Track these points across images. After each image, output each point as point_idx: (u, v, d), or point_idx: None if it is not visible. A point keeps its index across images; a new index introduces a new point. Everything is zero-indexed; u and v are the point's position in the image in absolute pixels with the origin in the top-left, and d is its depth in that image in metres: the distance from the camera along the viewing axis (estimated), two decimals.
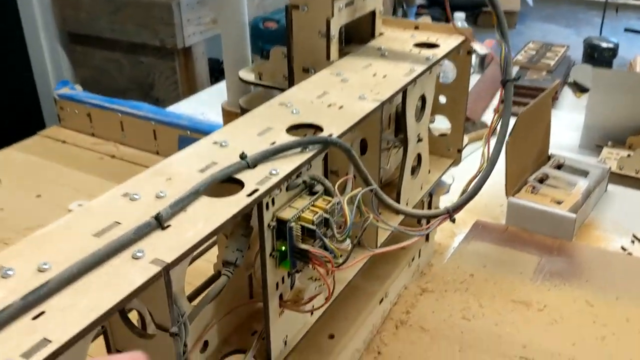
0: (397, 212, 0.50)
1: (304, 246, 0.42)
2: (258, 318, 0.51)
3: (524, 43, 1.60)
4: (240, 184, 0.41)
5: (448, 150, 0.77)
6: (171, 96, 2.14)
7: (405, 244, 0.49)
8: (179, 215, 0.37)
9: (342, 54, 0.66)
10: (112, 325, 0.40)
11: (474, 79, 1.45)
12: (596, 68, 1.08)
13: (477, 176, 0.51)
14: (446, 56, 0.65)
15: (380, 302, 0.70)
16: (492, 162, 0.52)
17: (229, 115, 0.85)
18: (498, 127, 0.54)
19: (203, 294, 0.53)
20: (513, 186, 0.92)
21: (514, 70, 1.22)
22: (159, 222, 0.36)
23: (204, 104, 1.38)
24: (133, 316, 0.41)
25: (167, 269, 0.33)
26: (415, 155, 0.66)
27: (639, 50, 1.52)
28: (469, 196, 0.51)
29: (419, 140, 0.66)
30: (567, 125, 1.22)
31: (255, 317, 0.52)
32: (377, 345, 0.69)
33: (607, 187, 1.01)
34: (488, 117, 1.29)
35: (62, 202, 0.86)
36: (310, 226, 0.42)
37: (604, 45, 1.39)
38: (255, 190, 0.40)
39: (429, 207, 0.80)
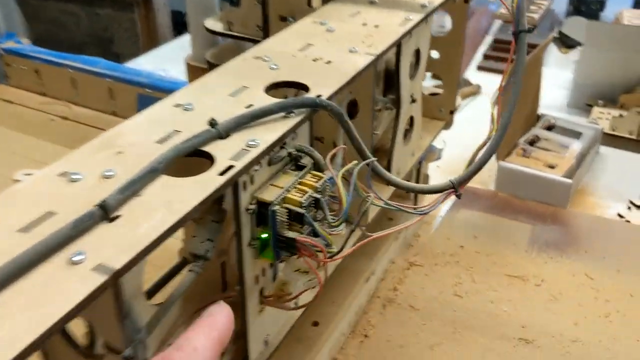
0: (398, 187, 0.43)
1: (290, 234, 0.34)
2: (234, 313, 0.43)
3: None
4: (210, 159, 0.32)
5: (440, 111, 0.70)
6: (131, 51, 2.01)
7: (405, 225, 0.42)
8: (132, 201, 0.29)
9: (325, 0, 0.57)
10: (51, 342, 0.32)
11: None
12: (590, 21, 1.01)
13: (486, 143, 0.44)
14: (444, 3, 0.57)
15: (367, 280, 0.64)
16: (503, 127, 0.44)
17: (195, 72, 0.75)
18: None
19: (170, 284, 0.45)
20: (503, 149, 0.86)
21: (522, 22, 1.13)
22: (105, 212, 0.27)
23: (166, 60, 1.27)
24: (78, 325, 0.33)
25: (115, 277, 0.25)
26: (408, 118, 0.58)
27: (625, 4, 1.45)
28: (476, 167, 0.44)
29: (413, 101, 0.58)
30: (554, 82, 1.16)
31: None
32: (364, 328, 0.63)
33: (600, 149, 0.96)
34: (470, 74, 1.22)
35: (7, 171, 0.76)
36: (298, 209, 0.34)
37: None
38: (230, 167, 0.31)
39: (418, 175, 0.72)
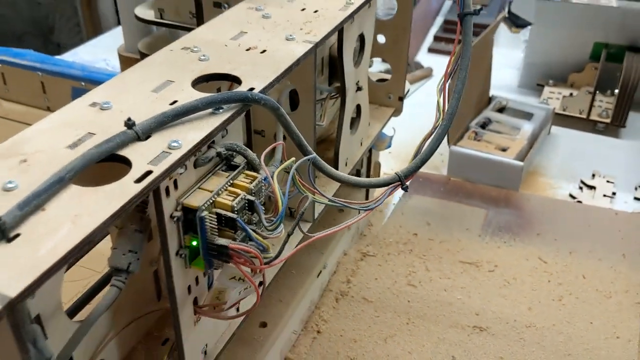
0: (342, 182, 0.41)
1: (222, 241, 0.32)
2: (170, 322, 0.40)
3: None
4: (128, 164, 0.29)
5: (389, 98, 0.68)
6: (74, 40, 1.92)
7: (351, 222, 0.40)
8: (34, 217, 0.26)
9: None
10: None
11: None
12: (539, 0, 1.00)
13: (432, 133, 0.42)
14: None
15: (319, 275, 0.62)
16: (450, 116, 0.43)
17: (127, 63, 0.71)
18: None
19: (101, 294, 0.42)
20: (454, 133, 0.84)
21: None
22: (2, 233, 0.24)
23: (108, 50, 1.21)
24: None
25: (11, 306, 0.22)
26: (354, 107, 0.56)
27: None
28: (423, 157, 0.42)
29: (359, 88, 0.56)
30: (504, 62, 1.15)
31: (166, 320, 0.41)
32: (316, 324, 0.61)
33: (551, 129, 0.96)
34: (421, 57, 1.21)
35: None
36: (229, 214, 0.32)
37: None
38: (148, 173, 0.29)
39: (369, 164, 0.70)
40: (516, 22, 1.31)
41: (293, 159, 0.35)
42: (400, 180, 0.42)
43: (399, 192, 0.82)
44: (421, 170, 0.87)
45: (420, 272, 0.68)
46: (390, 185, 0.42)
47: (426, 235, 0.73)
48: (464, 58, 0.44)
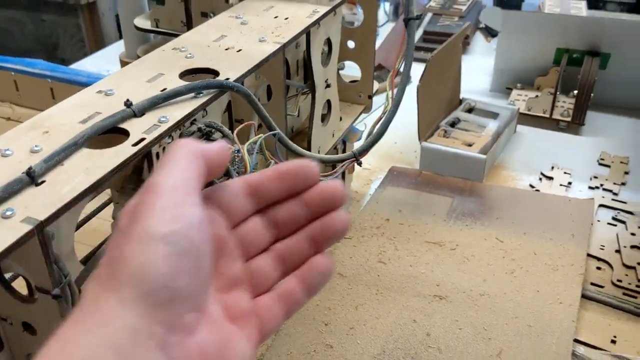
0: (302, 156, 0.49)
1: None
2: None
3: None
4: (126, 134, 0.38)
5: (359, 96, 0.76)
6: (78, 56, 2.02)
7: None
8: (55, 169, 0.34)
9: None
10: None
11: (389, 27, 1.45)
12: (505, 10, 1.09)
13: (381, 118, 0.50)
14: None
15: None
16: (396, 103, 0.51)
17: None
18: (401, 69, 0.53)
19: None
20: (425, 131, 0.93)
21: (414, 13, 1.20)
22: (32, 178, 0.33)
23: (110, 61, 1.30)
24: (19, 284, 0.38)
25: (40, 227, 0.30)
26: (324, 102, 0.65)
27: None
28: (374, 138, 0.50)
29: (327, 86, 0.64)
30: (479, 69, 1.24)
31: None
32: None
33: (516, 127, 1.04)
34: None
35: None
36: None
37: None
38: (142, 140, 0.37)
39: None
40: (491, 32, 1.41)
41: (260, 135, 0.44)
42: (355, 157, 0.50)
43: (375, 185, 0.90)
44: (396, 165, 0.96)
45: (390, 251, 0.76)
46: (347, 161, 0.50)
47: (397, 220, 0.82)
48: (408, 56, 0.53)
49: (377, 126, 0.50)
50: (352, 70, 0.78)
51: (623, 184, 0.89)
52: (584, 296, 0.69)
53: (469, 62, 1.31)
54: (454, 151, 0.90)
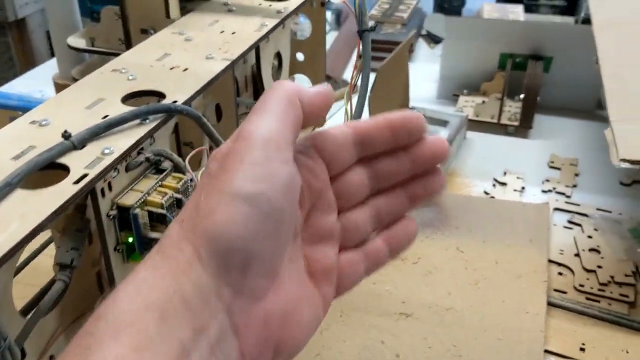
0: None
1: (155, 234, 0.36)
2: None
3: None
4: (66, 170, 0.34)
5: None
6: (7, 75, 1.92)
7: None
8: None
9: (185, 11, 0.59)
10: None
11: (332, 36, 1.43)
12: (448, 16, 1.09)
13: None
14: (298, 9, 0.61)
15: None
16: (356, 120, 0.49)
17: (62, 89, 0.74)
18: (359, 83, 0.51)
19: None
20: None
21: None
22: None
23: (42, 81, 1.22)
24: None
25: None
26: None
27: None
28: None
29: None
30: (424, 76, 1.24)
31: None
32: None
33: (466, 134, 1.04)
34: (348, 74, 1.28)
35: None
36: (160, 210, 0.36)
37: None
38: (84, 176, 0.33)
39: None
40: (434, 38, 1.41)
41: None
42: None
43: None
44: None
45: None
46: None
47: None
48: (365, 69, 0.51)
49: None
50: (302, 83, 0.75)
51: (574, 186, 0.90)
52: (548, 303, 0.68)
53: (414, 69, 1.30)
54: None
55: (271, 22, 0.56)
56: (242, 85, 0.64)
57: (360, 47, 0.51)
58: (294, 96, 0.25)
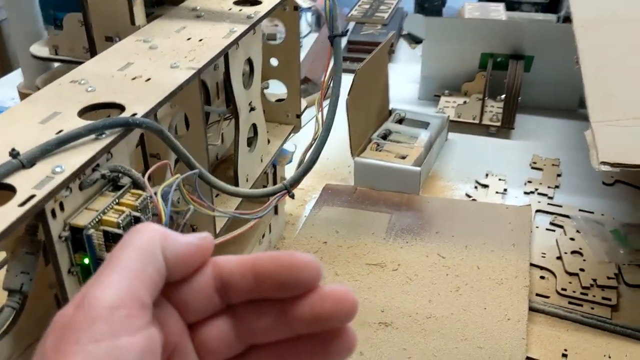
0: (230, 194, 0.44)
1: None
2: None
3: None
4: (13, 191, 0.32)
5: (287, 116, 0.72)
6: None
7: (242, 230, 0.43)
8: None
9: (153, 17, 0.57)
10: None
11: (312, 38, 1.41)
12: (428, 17, 1.08)
13: (312, 145, 0.46)
14: (269, 13, 0.59)
15: None
16: (327, 127, 0.47)
17: None
18: (331, 88, 0.49)
19: None
20: (358, 145, 0.90)
21: (346, 25, 1.19)
22: None
23: (15, 88, 1.20)
24: None
25: None
26: (249, 126, 0.60)
27: None
28: (306, 167, 0.46)
29: (252, 109, 0.60)
30: (405, 77, 1.22)
31: None
32: None
33: (448, 135, 1.03)
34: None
35: None
36: (115, 230, 0.35)
37: None
38: (31, 197, 0.31)
39: (275, 179, 0.74)
40: (415, 39, 1.40)
41: (177, 175, 0.39)
42: (286, 189, 0.46)
43: (310, 205, 0.86)
44: (330, 182, 0.92)
45: (330, 277, 0.72)
46: (278, 194, 0.46)
47: (335, 242, 0.78)
48: (337, 74, 0.49)
49: (309, 153, 0.46)
50: (277, 88, 0.73)
51: (557, 186, 0.89)
52: (530, 308, 0.67)
53: (395, 70, 1.29)
54: (388, 165, 0.87)
55: (241, 28, 0.54)
56: (213, 92, 0.62)
57: (332, 52, 0.50)
58: (155, 247, 0.21)
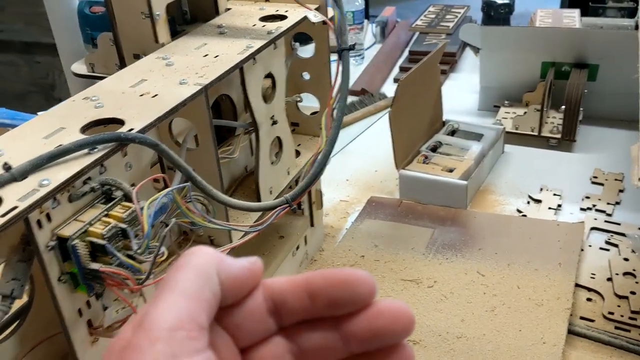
0: (230, 206, 0.45)
1: (94, 265, 0.36)
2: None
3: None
4: (1, 202, 0.34)
5: (320, 129, 0.72)
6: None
7: (237, 244, 0.43)
8: None
9: (182, 34, 0.59)
10: None
11: (376, 49, 1.41)
12: (483, 26, 1.05)
13: (315, 159, 0.46)
14: (292, 29, 0.59)
15: None
16: (331, 142, 0.47)
17: None
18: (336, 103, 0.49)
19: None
20: (403, 158, 0.88)
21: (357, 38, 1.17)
22: None
23: None
24: None
25: None
26: (272, 140, 0.61)
27: (538, 5, 1.50)
28: (308, 182, 0.46)
29: (274, 122, 0.60)
30: (468, 87, 1.19)
31: None
32: None
33: (504, 148, 0.99)
34: (387, 87, 1.25)
35: None
36: (99, 241, 0.36)
37: (499, 1, 1.36)
38: (14, 208, 0.33)
39: (310, 193, 0.74)
40: (476, 48, 1.36)
41: (168, 189, 0.40)
42: (288, 203, 0.46)
43: (352, 217, 0.86)
44: (376, 195, 0.91)
45: None
46: (278, 208, 0.46)
47: (373, 257, 0.77)
48: (343, 88, 0.49)
49: (312, 168, 0.46)
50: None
51: (617, 203, 0.83)
52: (572, 332, 0.63)
53: (457, 80, 1.26)
54: (434, 178, 0.85)
55: (258, 43, 0.55)
56: (240, 107, 0.63)
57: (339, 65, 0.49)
58: (211, 269, 0.21)
